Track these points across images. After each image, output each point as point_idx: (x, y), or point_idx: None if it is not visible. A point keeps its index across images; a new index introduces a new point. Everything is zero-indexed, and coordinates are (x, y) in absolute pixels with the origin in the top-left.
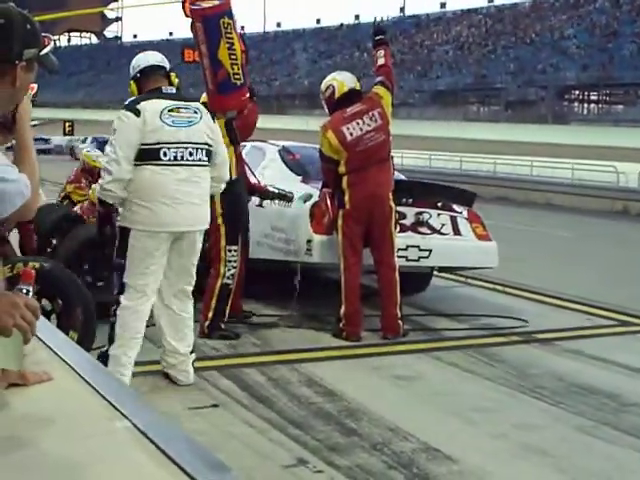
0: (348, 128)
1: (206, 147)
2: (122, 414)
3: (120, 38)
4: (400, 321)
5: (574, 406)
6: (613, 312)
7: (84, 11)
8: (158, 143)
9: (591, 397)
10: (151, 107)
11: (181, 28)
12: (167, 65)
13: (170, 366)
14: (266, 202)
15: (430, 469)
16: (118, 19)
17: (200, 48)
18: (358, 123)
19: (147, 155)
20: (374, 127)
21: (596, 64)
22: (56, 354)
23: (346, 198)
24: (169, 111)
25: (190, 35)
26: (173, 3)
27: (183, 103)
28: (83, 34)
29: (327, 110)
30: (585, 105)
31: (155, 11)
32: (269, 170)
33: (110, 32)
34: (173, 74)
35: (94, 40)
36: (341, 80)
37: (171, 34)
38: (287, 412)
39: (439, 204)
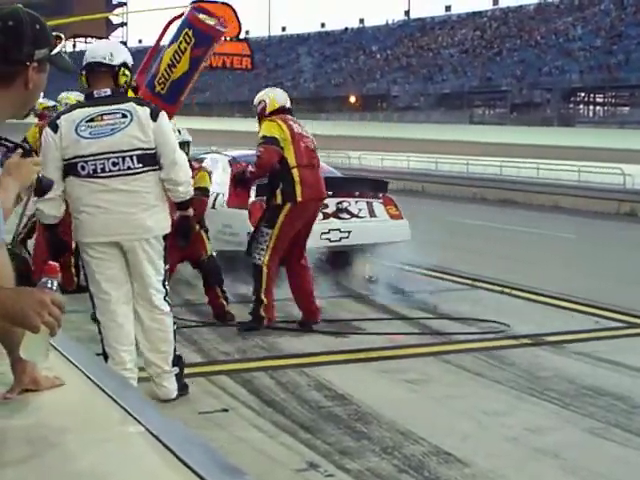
0: (293, 124)
1: (137, 152)
2: (135, 419)
3: (125, 43)
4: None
5: (584, 408)
6: (621, 314)
7: (89, 16)
8: (75, 157)
9: (601, 399)
10: (69, 120)
11: None
12: (115, 61)
13: (150, 378)
14: (218, 205)
15: (441, 472)
16: (123, 24)
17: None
18: (298, 127)
19: (68, 169)
20: (308, 136)
21: (601, 66)
22: (68, 360)
23: (298, 191)
24: (88, 121)
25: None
26: (178, 8)
27: (110, 108)
28: (88, 39)
29: (258, 122)
30: (591, 107)
31: (160, 16)
32: (221, 179)
33: (115, 37)
34: (123, 70)
35: None
36: (273, 97)
37: None
38: (297, 416)
39: (357, 193)
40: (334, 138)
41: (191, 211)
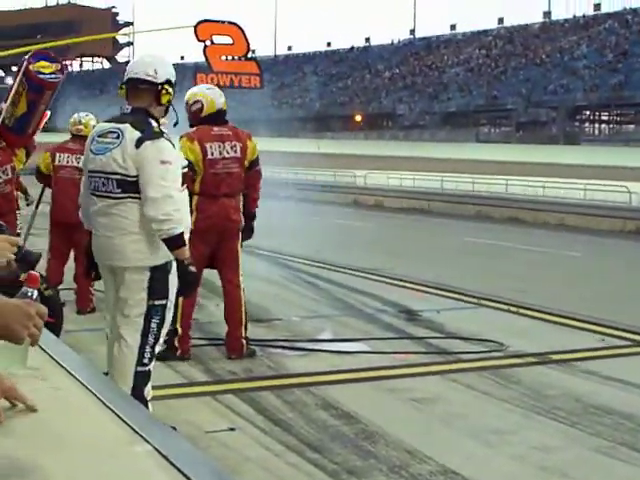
0: (211, 147)
1: (116, 177)
2: (143, 438)
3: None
4: (244, 340)
5: (591, 427)
6: (627, 332)
7: (96, 37)
8: (87, 170)
9: (608, 418)
10: (92, 132)
11: (192, 52)
12: (158, 79)
13: None
14: None
15: None
16: (130, 44)
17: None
18: (220, 146)
19: None
20: (232, 157)
21: (606, 84)
22: (76, 378)
23: (193, 219)
24: (99, 136)
25: (202, 59)
26: (184, 28)
27: (114, 126)
28: (95, 59)
29: (190, 123)
30: (596, 125)
31: (166, 35)
32: None
33: (122, 57)
34: (167, 88)
35: (106, 65)
36: (211, 98)
37: (182, 58)
38: (304, 435)
39: None
40: (340, 157)
41: (183, 253)
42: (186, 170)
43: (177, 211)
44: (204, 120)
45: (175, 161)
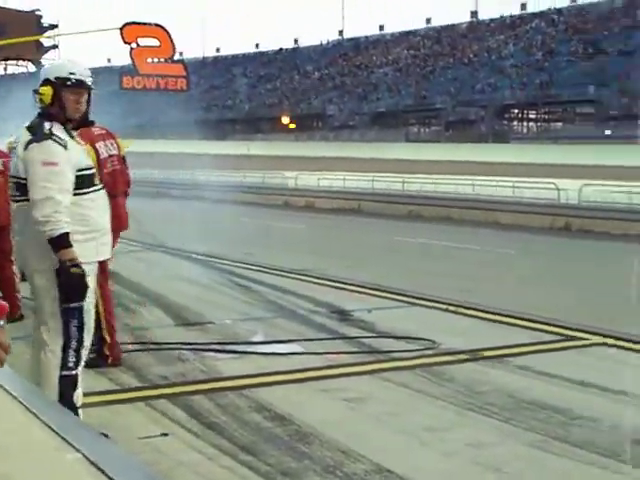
0: (100, 146)
1: (15, 180)
2: (72, 446)
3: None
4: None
5: (524, 422)
6: (558, 327)
7: (19, 39)
8: None
9: (541, 412)
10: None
11: (119, 55)
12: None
13: None
14: None
15: None
16: (55, 47)
17: None
18: (104, 145)
19: None
20: (114, 154)
21: (533, 83)
22: (3, 388)
23: None
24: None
25: (129, 61)
26: (110, 30)
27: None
28: (20, 62)
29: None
30: (524, 123)
31: (93, 38)
32: None
33: (47, 60)
34: (40, 90)
35: (32, 68)
36: None
37: (109, 61)
38: (237, 438)
39: None
40: (270, 158)
41: (64, 255)
42: (93, 172)
43: (58, 213)
44: (81, 123)
45: (63, 163)
